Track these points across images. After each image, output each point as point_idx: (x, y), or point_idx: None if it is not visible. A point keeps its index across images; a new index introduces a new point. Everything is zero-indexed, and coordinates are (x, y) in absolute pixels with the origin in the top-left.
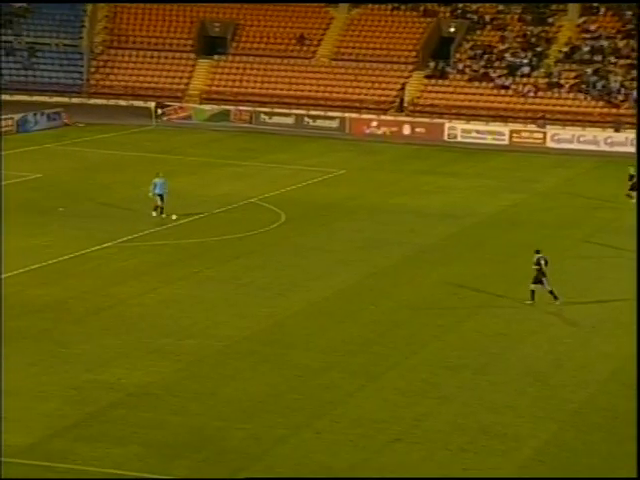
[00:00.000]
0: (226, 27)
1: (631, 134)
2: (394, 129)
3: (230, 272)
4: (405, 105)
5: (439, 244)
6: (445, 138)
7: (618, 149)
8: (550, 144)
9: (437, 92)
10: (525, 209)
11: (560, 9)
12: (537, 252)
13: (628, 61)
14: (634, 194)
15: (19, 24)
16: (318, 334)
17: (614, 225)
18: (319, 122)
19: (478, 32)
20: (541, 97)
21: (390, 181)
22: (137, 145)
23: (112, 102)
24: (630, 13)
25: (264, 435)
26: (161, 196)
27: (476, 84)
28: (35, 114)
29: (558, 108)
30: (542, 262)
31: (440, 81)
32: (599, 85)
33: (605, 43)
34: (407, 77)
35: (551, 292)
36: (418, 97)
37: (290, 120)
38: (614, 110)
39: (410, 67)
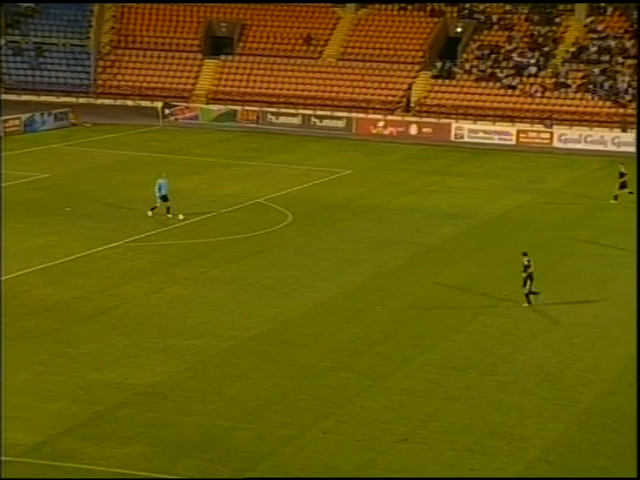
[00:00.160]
0: (233, 27)
1: None
2: (401, 129)
3: (236, 272)
4: (412, 105)
5: (445, 244)
6: (452, 138)
7: (625, 149)
8: (557, 144)
9: (444, 92)
10: (532, 209)
11: (567, 9)
12: (524, 254)
13: (635, 61)
14: (627, 191)
15: (26, 24)
16: (324, 334)
17: (622, 225)
18: (326, 122)
19: (485, 32)
20: (548, 97)
21: (397, 181)
22: (144, 145)
23: (119, 102)
24: (637, 13)
25: (270, 435)
26: (165, 197)
27: (483, 84)
28: (42, 114)
29: (565, 108)
30: (526, 263)
31: (447, 81)
32: (606, 85)
33: (612, 43)
34: (414, 77)
35: (527, 295)
36: (425, 97)
37: (297, 120)
38: (621, 110)
39: (417, 67)
